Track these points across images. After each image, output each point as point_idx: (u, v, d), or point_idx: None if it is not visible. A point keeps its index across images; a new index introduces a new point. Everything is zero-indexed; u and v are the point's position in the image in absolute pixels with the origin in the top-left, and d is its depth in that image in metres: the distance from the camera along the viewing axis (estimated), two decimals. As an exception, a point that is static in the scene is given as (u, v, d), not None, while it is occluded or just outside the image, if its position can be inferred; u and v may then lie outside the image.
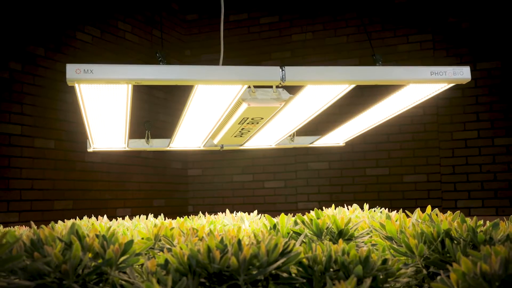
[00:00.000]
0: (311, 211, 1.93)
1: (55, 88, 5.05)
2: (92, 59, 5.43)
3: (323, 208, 2.09)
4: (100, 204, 5.49)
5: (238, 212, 2.41)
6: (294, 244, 1.26)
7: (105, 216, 2.55)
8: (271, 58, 6.72)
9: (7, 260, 0.91)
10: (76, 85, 1.94)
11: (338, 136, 3.24)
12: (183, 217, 2.52)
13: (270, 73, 1.98)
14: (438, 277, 1.16)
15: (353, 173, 6.31)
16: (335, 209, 2.08)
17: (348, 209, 2.12)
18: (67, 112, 5.16)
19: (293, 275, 1.28)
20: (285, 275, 1.24)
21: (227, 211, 2.44)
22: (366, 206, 2.25)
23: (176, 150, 3.26)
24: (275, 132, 2.99)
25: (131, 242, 1.27)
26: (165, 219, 2.36)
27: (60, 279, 1.16)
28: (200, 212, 2.39)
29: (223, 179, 6.91)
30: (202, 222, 2.18)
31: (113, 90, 2.11)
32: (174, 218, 2.45)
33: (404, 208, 2.58)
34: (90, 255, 1.19)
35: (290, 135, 3.24)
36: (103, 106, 2.29)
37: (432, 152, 6.01)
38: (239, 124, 2.51)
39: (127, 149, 3.08)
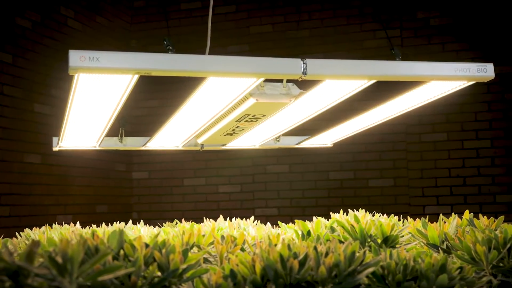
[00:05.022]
0: (317, 217, 1.93)
1: (-9, 78, 4.83)
2: (30, 46, 5.23)
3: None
4: (39, 211, 5.29)
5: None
6: (367, 252, 1.26)
7: (77, 223, 2.47)
8: (227, 52, 6.67)
9: (101, 272, 0.86)
10: (76, 75, 1.86)
11: (327, 137, 3.26)
12: (165, 224, 2.48)
13: (290, 66, 1.96)
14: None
15: (315, 177, 6.36)
16: (343, 213, 2.09)
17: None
18: (2, 106, 4.95)
19: (363, 285, 1.28)
20: (362, 286, 1.23)
21: (221, 216, 2.40)
22: (362, 210, 2.28)
23: (152, 149, 3.19)
24: (263, 131, 2.97)
25: (186, 251, 1.23)
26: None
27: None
28: (204, 218, 2.34)
29: (172, 182, 6.81)
30: (207, 228, 2.14)
31: (107, 82, 2.03)
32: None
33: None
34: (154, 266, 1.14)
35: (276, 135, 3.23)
36: (90, 99, 2.21)
37: (400, 155, 6.15)
38: (236, 121, 2.48)
39: (97, 148, 2.98)
